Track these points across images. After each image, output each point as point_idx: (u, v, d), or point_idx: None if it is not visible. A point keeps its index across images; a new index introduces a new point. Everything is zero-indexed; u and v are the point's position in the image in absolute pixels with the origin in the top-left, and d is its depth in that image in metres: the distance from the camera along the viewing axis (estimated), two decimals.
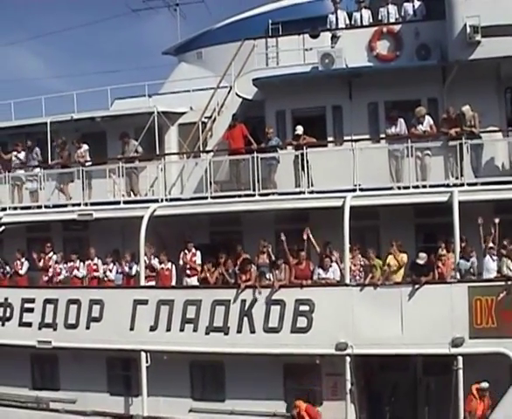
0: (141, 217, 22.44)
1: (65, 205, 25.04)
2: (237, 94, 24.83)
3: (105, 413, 22.82)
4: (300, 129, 22.53)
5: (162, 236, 23.70)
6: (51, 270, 24.68)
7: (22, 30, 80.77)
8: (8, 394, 25.31)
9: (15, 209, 26.00)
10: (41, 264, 24.93)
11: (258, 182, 22.16)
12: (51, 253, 24.99)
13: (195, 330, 21.43)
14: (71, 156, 25.82)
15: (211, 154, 23.87)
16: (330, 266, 20.81)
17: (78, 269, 24.40)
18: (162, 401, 22.66)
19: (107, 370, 23.93)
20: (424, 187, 21.26)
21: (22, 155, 27.01)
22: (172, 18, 31.78)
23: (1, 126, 28.28)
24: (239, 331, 21.01)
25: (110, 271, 23.82)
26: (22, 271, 25.33)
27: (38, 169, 26.08)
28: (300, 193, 22.08)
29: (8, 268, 25.66)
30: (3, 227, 25.31)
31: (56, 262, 24.74)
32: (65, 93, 28.26)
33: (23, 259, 25.44)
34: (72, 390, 24.21)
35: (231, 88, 25.30)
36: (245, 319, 20.96)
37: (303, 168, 22.05)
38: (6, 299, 24.15)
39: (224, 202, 22.38)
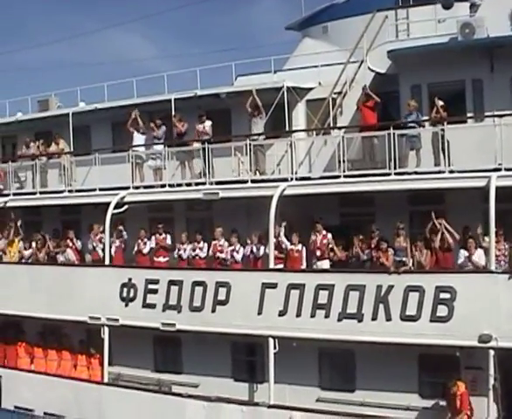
0: (270, 197, 21.40)
1: (189, 184, 24.24)
2: (369, 68, 23.42)
3: (229, 399, 21.98)
4: (440, 103, 21.00)
5: (289, 216, 22.60)
6: (176, 250, 24.17)
7: (128, 13, 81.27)
8: (130, 375, 24.99)
9: (137, 188, 25.42)
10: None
11: (394, 160, 20.74)
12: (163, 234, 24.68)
13: (326, 316, 20.29)
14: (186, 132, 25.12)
15: (343, 130, 22.56)
16: (475, 250, 19.28)
17: (201, 249, 23.63)
18: (288, 390, 21.78)
19: (231, 355, 23.31)
20: None
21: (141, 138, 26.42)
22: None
23: (123, 103, 27.74)
24: (374, 318, 19.74)
25: (237, 252, 22.91)
26: (145, 251, 24.77)
27: (160, 147, 25.35)
28: (438, 172, 20.56)
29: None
30: (126, 206, 24.70)
31: (181, 243, 24.09)
32: (187, 70, 27.51)
33: (145, 239, 24.86)
34: (194, 374, 23.76)
35: (361, 62, 23.92)
36: (381, 305, 19.66)
37: (443, 146, 20.53)
38: (130, 280, 23.63)
39: (358, 182, 21.08)
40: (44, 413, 25.20)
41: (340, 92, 24.36)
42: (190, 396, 22.54)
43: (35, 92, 33.77)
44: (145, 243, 24.88)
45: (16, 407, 25.99)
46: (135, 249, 25.06)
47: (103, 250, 25.02)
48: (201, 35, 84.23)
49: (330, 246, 21.63)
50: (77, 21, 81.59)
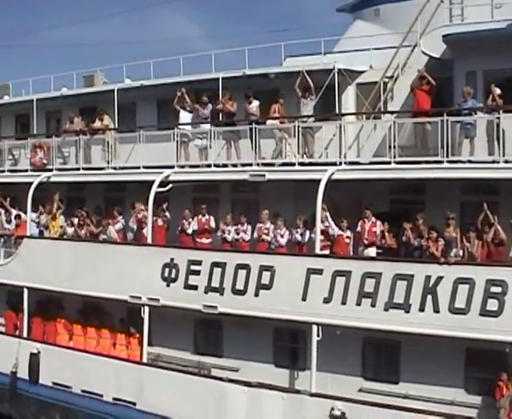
0: (318, 181, 20.89)
1: (235, 165, 23.82)
2: (423, 52, 22.74)
3: (270, 386, 21.58)
4: (497, 91, 20.29)
5: (336, 201, 22.10)
6: (219, 232, 23.85)
7: None
8: (169, 356, 24.81)
9: (182, 167, 25.06)
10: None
11: (447, 147, 20.11)
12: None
13: (373, 305, 19.76)
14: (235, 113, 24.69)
15: (394, 115, 21.95)
16: None
17: (245, 232, 23.27)
18: (330, 378, 21.34)
19: (273, 340, 22.94)
20: None
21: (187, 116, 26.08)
22: None
23: (170, 81, 27.34)
24: (422, 309, 19.15)
25: (282, 236, 22.47)
26: (189, 231, 24.50)
27: (207, 126, 24.94)
28: (493, 162, 19.89)
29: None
30: (170, 185, 24.36)
31: (226, 224, 23.75)
32: (235, 49, 26.98)
33: (190, 219, 24.54)
34: (235, 358, 23.50)
35: (415, 46, 23.24)
36: (429, 296, 19.07)
37: (497, 135, 19.84)
38: (172, 260, 23.29)
39: (410, 169, 20.47)
40: (82, 391, 25.04)
41: (391, 77, 23.74)
42: (230, 381, 22.16)
43: (78, 68, 33.32)
44: (189, 223, 24.55)
45: (54, 383, 25.89)
46: (179, 228, 24.73)
47: (140, 228, 24.89)
48: (248, 16, 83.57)
49: (380, 233, 21.11)
50: None
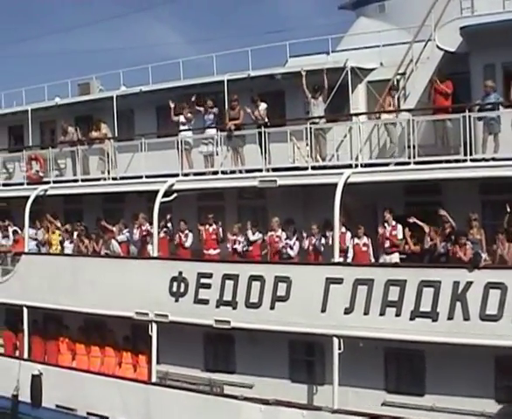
0: (334, 185, 19.80)
1: (245, 171, 22.73)
2: (438, 47, 21.67)
3: (289, 403, 20.43)
4: None
5: (348, 206, 21.00)
6: (229, 243, 22.79)
7: None
8: (178, 374, 23.70)
9: (186, 175, 23.92)
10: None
11: (470, 145, 19.05)
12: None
13: (397, 314, 18.65)
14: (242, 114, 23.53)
15: (411, 113, 20.89)
16: None
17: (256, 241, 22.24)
18: (350, 392, 20.23)
19: (288, 354, 21.81)
20: None
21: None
22: None
23: (170, 85, 26.24)
24: (450, 317, 18.05)
25: (291, 247, 21.41)
26: (187, 244, 23.49)
27: (213, 131, 23.81)
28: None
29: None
30: (174, 194, 23.23)
31: (233, 234, 22.66)
32: (239, 50, 25.82)
33: (186, 231, 23.60)
34: (248, 374, 22.36)
35: (428, 41, 22.20)
36: (458, 304, 17.98)
37: None
38: (180, 273, 22.13)
39: (431, 169, 19.37)
40: (88, 413, 23.93)
41: (403, 73, 22.74)
42: (245, 399, 21.02)
43: (65, 77, 32.33)
44: (186, 236, 23.52)
45: (57, 406, 24.76)
46: (176, 241, 23.75)
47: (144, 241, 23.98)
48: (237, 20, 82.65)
49: (400, 238, 20.08)
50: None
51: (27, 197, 26.92)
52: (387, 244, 20.09)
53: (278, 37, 29.08)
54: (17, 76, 74.57)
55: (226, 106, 24.12)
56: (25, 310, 26.09)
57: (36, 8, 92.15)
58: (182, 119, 24.80)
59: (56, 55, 75.43)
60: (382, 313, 18.86)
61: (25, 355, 26.28)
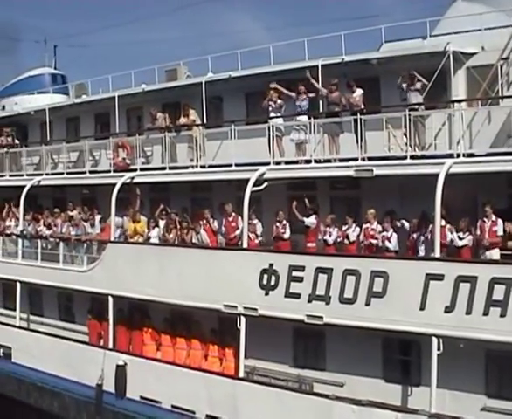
0: (435, 175, 18.67)
1: (340, 159, 21.74)
2: None
3: (383, 404, 19.44)
4: None
5: (447, 199, 19.78)
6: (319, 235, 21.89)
7: None
8: (266, 369, 23.02)
9: (278, 163, 23.07)
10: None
11: None
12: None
13: (502, 315, 17.42)
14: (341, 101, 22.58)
15: None
16: None
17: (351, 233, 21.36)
18: (448, 395, 19.09)
19: (382, 353, 20.80)
20: None
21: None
22: None
23: (260, 71, 25.37)
24: None
25: (389, 240, 20.38)
26: (286, 235, 22.55)
27: (304, 117, 22.88)
28: None
29: None
30: (265, 183, 22.40)
31: (326, 225, 21.74)
32: (331, 34, 24.77)
33: (284, 221, 22.71)
34: (339, 372, 21.46)
35: None
36: None
37: None
38: (271, 266, 21.30)
39: None
40: (172, 406, 23.37)
41: (507, 58, 21.40)
42: (337, 398, 20.08)
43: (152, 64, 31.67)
44: (284, 227, 22.62)
45: (141, 397, 24.30)
46: (274, 234, 22.86)
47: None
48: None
49: (501, 234, 18.87)
50: None
51: (114, 185, 26.49)
52: (487, 241, 18.88)
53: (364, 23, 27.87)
54: (103, 63, 75.09)
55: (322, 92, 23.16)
56: (110, 299, 25.72)
57: None
58: (273, 104, 23.91)
59: (139, 43, 75.48)
60: (485, 313, 17.68)
61: (110, 345, 25.91)
